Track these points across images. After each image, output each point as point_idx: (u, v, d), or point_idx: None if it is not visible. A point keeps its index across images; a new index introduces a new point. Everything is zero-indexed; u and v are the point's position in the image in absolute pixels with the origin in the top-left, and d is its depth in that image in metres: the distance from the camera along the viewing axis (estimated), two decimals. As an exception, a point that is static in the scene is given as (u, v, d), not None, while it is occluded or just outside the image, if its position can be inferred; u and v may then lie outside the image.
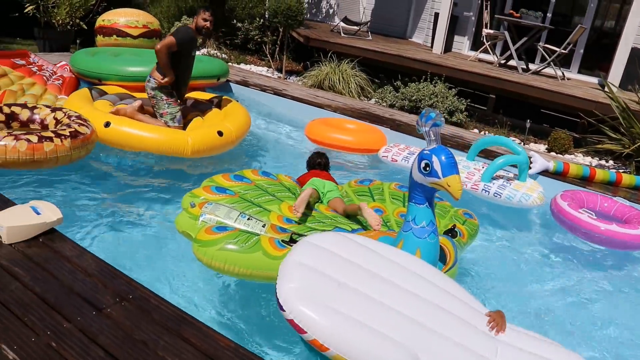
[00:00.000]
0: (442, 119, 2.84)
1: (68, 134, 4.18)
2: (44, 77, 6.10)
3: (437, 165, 2.73)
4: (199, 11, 5.14)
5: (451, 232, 3.60)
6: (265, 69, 10.08)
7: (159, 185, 4.58)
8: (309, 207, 3.62)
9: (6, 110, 4.58)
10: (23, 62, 6.36)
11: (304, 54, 10.69)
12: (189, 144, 4.73)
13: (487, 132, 7.99)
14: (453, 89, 8.10)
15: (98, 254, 2.95)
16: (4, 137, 3.92)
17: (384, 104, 8.43)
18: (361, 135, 5.94)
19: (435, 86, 8.10)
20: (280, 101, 7.52)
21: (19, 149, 3.89)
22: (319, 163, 4.42)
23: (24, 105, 4.67)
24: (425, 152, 2.80)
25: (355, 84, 8.59)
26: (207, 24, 5.11)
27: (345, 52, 9.09)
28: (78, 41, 9.48)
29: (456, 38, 10.91)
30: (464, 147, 6.38)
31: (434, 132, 2.83)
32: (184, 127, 5.24)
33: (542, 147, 7.52)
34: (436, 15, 10.74)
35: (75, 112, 4.67)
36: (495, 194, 4.91)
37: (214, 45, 11.01)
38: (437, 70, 8.36)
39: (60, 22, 8.62)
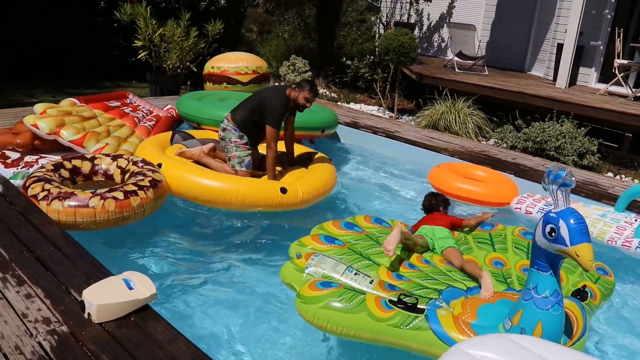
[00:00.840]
0: (573, 178, 2.53)
1: (148, 184, 4.10)
2: (135, 119, 6.09)
3: (564, 232, 2.46)
4: (304, 87, 4.75)
5: (580, 294, 3.19)
6: (375, 107, 9.86)
7: (242, 240, 4.41)
8: (420, 259, 3.47)
9: (68, 165, 4.42)
10: (118, 103, 6.47)
11: (416, 91, 10.37)
12: (238, 196, 4.43)
13: (623, 175, 7.16)
14: (582, 128, 7.37)
15: (192, 331, 2.78)
16: (90, 198, 3.82)
17: (504, 145, 7.86)
18: (492, 187, 5.46)
19: (562, 125, 7.42)
20: (392, 144, 7.21)
21: (108, 209, 3.81)
22: (434, 205, 4.17)
23: (82, 157, 4.55)
24: (551, 214, 2.54)
25: (473, 123, 8.10)
26: (308, 104, 4.80)
27: (461, 89, 8.65)
28: (189, 82, 9.83)
29: (581, 70, 10.08)
30: (600, 196, 5.70)
31: (562, 193, 2.54)
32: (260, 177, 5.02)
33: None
34: (559, 45, 9.99)
35: (139, 157, 4.59)
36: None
37: (322, 84, 11.00)
38: (563, 108, 7.68)
39: (171, 66, 8.92)
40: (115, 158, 4.61)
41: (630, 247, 4.38)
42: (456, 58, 10.34)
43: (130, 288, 2.84)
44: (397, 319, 2.74)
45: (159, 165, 4.57)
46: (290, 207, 4.58)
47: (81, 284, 3.01)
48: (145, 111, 6.49)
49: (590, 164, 7.06)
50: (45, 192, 3.89)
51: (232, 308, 3.47)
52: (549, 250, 2.57)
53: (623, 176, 7.13)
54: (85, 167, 4.52)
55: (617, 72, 8.86)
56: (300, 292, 2.90)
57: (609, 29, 9.84)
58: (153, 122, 6.13)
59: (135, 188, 4.02)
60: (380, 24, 11.27)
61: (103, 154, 4.69)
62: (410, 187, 6.05)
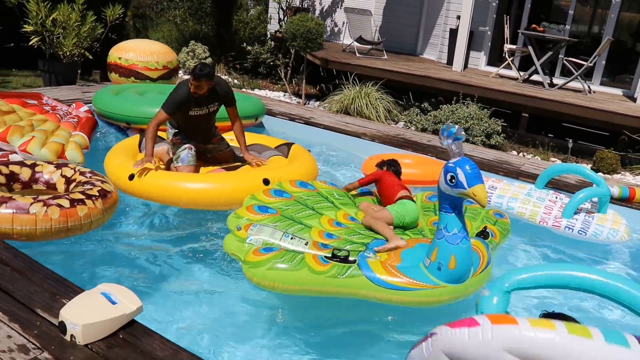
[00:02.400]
0: (463, 132, 3.03)
1: (97, 193, 3.69)
2: (58, 115, 5.62)
3: (462, 177, 2.88)
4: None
5: (483, 234, 3.75)
6: (281, 94, 9.69)
7: (199, 234, 4.14)
8: (346, 217, 3.83)
9: (4, 170, 3.94)
10: (35, 102, 5.88)
11: (317, 76, 10.33)
12: (224, 195, 4.19)
13: (524, 153, 7.68)
14: (485, 110, 7.78)
15: (189, 341, 2.60)
16: (32, 204, 3.38)
17: (413, 128, 8.08)
18: (424, 167, 5.53)
19: (467, 107, 7.77)
20: (311, 131, 7.12)
21: (52, 217, 3.38)
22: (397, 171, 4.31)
23: (22, 163, 4.05)
24: (449, 164, 2.96)
25: (383, 107, 8.23)
26: (193, 90, 4.34)
27: (368, 74, 8.74)
28: (79, 71, 9.01)
29: (472, 53, 10.63)
30: (516, 174, 6.04)
31: (456, 146, 2.99)
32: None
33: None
34: (452, 31, 10.45)
35: (86, 168, 4.13)
36: (580, 231, 4.55)
37: (223, 70, 10.61)
38: (468, 91, 8.05)
39: (68, 53, 8.10)
40: (59, 166, 4.08)
41: (559, 227, 4.67)
42: (356, 43, 10.43)
43: (113, 302, 2.54)
44: (334, 271, 3.05)
45: (131, 177, 4.18)
46: None
47: (47, 302, 2.66)
48: (64, 111, 5.85)
49: (497, 143, 7.48)
50: None
51: (215, 305, 3.34)
52: (452, 195, 2.99)
53: (524, 154, 7.64)
54: (25, 173, 3.96)
55: (506, 56, 9.45)
56: (246, 259, 3.14)
57: (495, 15, 10.47)
58: (75, 120, 5.55)
59: (82, 197, 3.57)
60: (280, 9, 11.04)
61: (46, 162, 4.15)
62: (342, 173, 6.01)
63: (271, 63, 10.46)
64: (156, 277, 3.56)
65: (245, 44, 10.62)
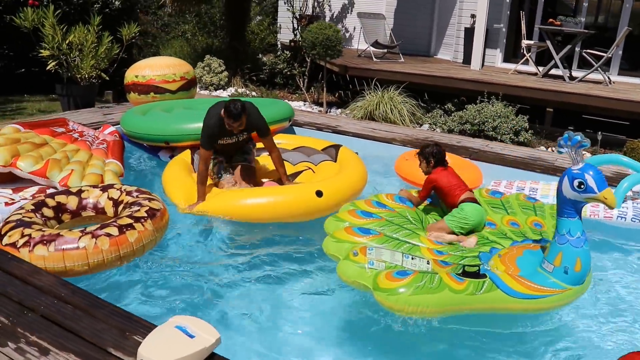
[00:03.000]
0: (588, 139, 3.08)
1: (145, 214, 3.62)
2: (87, 143, 5.59)
3: (591, 182, 2.99)
4: (224, 108, 4.33)
5: None
6: (300, 103, 9.69)
7: (268, 255, 4.11)
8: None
9: (51, 202, 3.85)
10: (63, 129, 5.85)
11: (335, 83, 10.34)
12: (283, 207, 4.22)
13: (552, 148, 7.64)
14: (510, 107, 7.76)
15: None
16: (80, 237, 3.31)
17: (439, 130, 8.07)
18: (461, 173, 5.53)
19: (493, 106, 7.75)
20: (340, 140, 7.07)
21: (102, 248, 3.31)
22: (443, 155, 4.04)
23: (67, 192, 3.99)
24: (575, 171, 3.05)
25: (407, 111, 8.22)
26: (228, 128, 4.38)
27: (389, 78, 8.74)
28: (108, 92, 9.07)
29: (488, 51, 10.61)
30: (553, 170, 6.02)
31: (577, 153, 3.09)
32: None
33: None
34: (466, 30, 10.45)
35: (132, 187, 4.08)
36: (634, 219, 4.54)
37: (239, 83, 10.63)
38: (492, 89, 8.03)
39: (86, 76, 8.11)
40: (105, 189, 4.04)
41: (612, 217, 4.64)
42: (372, 47, 10.43)
43: (191, 336, 2.45)
44: (472, 288, 2.99)
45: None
46: (328, 211, 4.19)
47: (118, 340, 2.59)
48: (92, 136, 5.84)
49: (525, 140, 7.45)
50: (26, 238, 3.31)
51: (300, 328, 3.28)
52: (576, 200, 3.08)
53: (552, 149, 7.60)
54: (72, 202, 3.92)
55: (524, 52, 9.43)
56: (380, 286, 2.94)
57: (508, 12, 10.46)
58: (104, 146, 5.54)
59: (130, 221, 3.52)
60: (294, 18, 11.06)
61: (90, 186, 4.12)
62: (378, 181, 5.97)
63: (288, 73, 10.46)
64: (223, 301, 3.50)
65: (260, 55, 10.62)
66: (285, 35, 12.37)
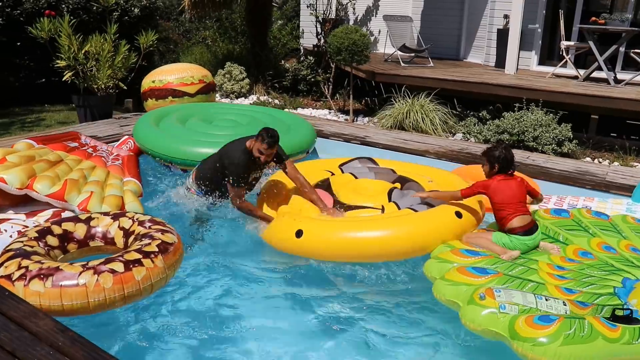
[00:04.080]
0: None
1: (157, 249, 3.22)
2: (103, 159, 5.23)
3: None
4: (259, 137, 4.08)
5: None
6: (325, 111, 9.25)
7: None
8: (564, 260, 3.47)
9: (57, 230, 3.49)
10: (76, 144, 5.49)
11: (362, 90, 9.88)
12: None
13: (599, 159, 7.07)
14: (551, 114, 7.20)
15: None
16: (81, 273, 2.94)
17: (473, 139, 7.55)
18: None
19: (532, 113, 7.21)
20: (370, 152, 6.61)
21: (104, 286, 2.93)
22: (510, 159, 3.72)
23: (76, 219, 3.64)
24: None
25: (439, 119, 7.73)
26: (263, 156, 4.08)
27: (420, 84, 8.25)
28: (127, 102, 8.76)
29: (522, 54, 10.04)
30: (605, 186, 5.48)
31: None
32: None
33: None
34: (499, 31, 9.91)
35: (146, 216, 3.71)
36: None
37: (262, 90, 10.24)
38: (531, 95, 7.48)
39: (103, 86, 7.79)
40: (116, 217, 3.66)
41: None
42: (399, 52, 9.95)
43: None
44: (627, 335, 2.63)
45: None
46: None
47: None
48: (105, 151, 5.49)
49: (569, 150, 6.90)
50: (22, 270, 2.95)
51: None
52: None
53: (599, 160, 7.04)
54: (80, 230, 3.54)
55: (564, 54, 8.86)
56: (521, 334, 2.61)
57: (544, 11, 9.88)
58: (120, 162, 5.18)
59: (139, 256, 3.12)
60: (318, 22, 10.63)
61: (101, 213, 3.75)
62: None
63: (312, 79, 10.03)
64: (247, 348, 3.10)
65: (283, 62, 10.22)
66: (308, 40, 11.95)
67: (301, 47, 12.68)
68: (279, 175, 4.70)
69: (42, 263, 3.03)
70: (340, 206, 4.16)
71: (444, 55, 11.30)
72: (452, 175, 4.65)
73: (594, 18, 8.64)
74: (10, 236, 3.69)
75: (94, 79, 7.67)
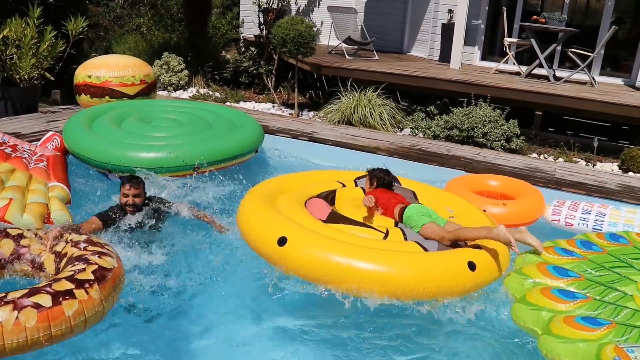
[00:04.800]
0: None
1: (92, 276, 2.70)
2: (24, 160, 4.61)
3: None
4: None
5: None
6: (269, 105, 8.89)
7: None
8: None
9: None
10: None
11: (305, 83, 9.58)
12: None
13: (544, 155, 7.11)
14: (498, 110, 7.17)
15: None
16: None
17: (421, 135, 7.44)
18: (522, 203, 4.67)
19: (480, 109, 7.16)
20: (318, 150, 6.35)
21: (26, 325, 2.40)
22: (388, 182, 3.99)
23: (5, 234, 3.14)
24: None
25: (387, 114, 7.56)
26: (127, 199, 3.82)
27: (366, 78, 8.04)
28: (54, 93, 8.06)
29: (465, 48, 10.04)
30: (555, 183, 5.47)
31: None
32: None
33: (613, 167, 6.71)
34: (444, 26, 9.88)
35: (82, 236, 3.19)
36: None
37: (201, 82, 9.74)
38: (479, 91, 7.43)
39: (26, 76, 7.08)
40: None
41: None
42: (344, 44, 9.71)
43: None
44: None
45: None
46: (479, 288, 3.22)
47: None
48: (27, 150, 4.86)
49: (517, 147, 6.90)
50: None
51: None
52: None
53: (545, 155, 7.07)
54: (5, 248, 3.03)
55: (507, 50, 8.90)
56: None
57: (487, 8, 9.92)
58: (44, 163, 4.61)
59: (71, 285, 2.62)
60: (260, 12, 10.20)
61: (32, 231, 3.23)
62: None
63: (254, 72, 9.63)
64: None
65: (223, 52, 9.76)
66: (249, 30, 11.50)
67: (241, 37, 12.21)
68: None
69: None
70: (338, 218, 3.63)
71: (388, 48, 11.16)
72: (476, 210, 4.04)
73: (535, 17, 8.73)
74: None
75: (15, 68, 6.96)
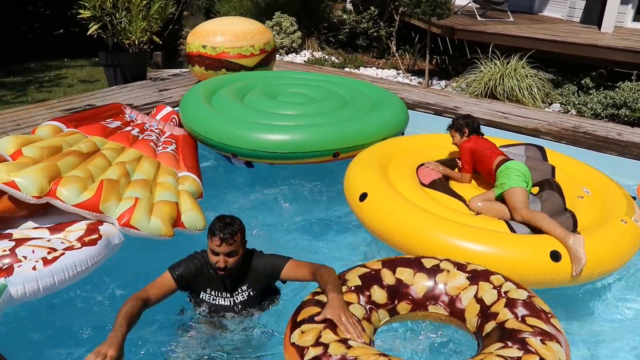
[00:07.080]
0: None
1: None
2: (151, 144, 3.97)
3: None
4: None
5: None
6: (392, 71, 8.11)
7: None
8: None
9: (388, 278, 2.54)
10: (118, 122, 4.19)
11: (431, 47, 8.67)
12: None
13: None
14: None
15: None
16: None
17: (573, 111, 6.46)
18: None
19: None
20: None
21: None
22: (478, 125, 3.75)
23: (417, 264, 2.61)
24: None
25: (538, 88, 6.60)
26: (218, 259, 2.48)
27: (509, 44, 7.06)
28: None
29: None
30: None
31: None
32: None
33: None
34: (590, -19, 8.61)
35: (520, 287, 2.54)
36: None
37: (315, 45, 9.07)
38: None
39: (136, 41, 6.62)
40: (475, 278, 2.55)
41: None
42: (473, 3, 8.68)
43: None
44: None
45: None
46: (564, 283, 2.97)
47: None
48: (155, 130, 4.30)
49: (703, 131, 5.79)
50: (319, 350, 2.10)
51: None
52: None
53: None
54: (419, 284, 2.56)
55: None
56: None
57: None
58: (173, 147, 4.05)
59: None
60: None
61: (453, 262, 2.66)
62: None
63: (375, 34, 8.82)
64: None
65: (341, 13, 8.99)
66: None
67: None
68: None
69: (348, 346, 2.05)
70: (438, 185, 3.59)
71: (514, 7, 9.95)
72: (619, 189, 3.52)
73: None
74: (34, 268, 2.57)
75: (125, 32, 6.52)
